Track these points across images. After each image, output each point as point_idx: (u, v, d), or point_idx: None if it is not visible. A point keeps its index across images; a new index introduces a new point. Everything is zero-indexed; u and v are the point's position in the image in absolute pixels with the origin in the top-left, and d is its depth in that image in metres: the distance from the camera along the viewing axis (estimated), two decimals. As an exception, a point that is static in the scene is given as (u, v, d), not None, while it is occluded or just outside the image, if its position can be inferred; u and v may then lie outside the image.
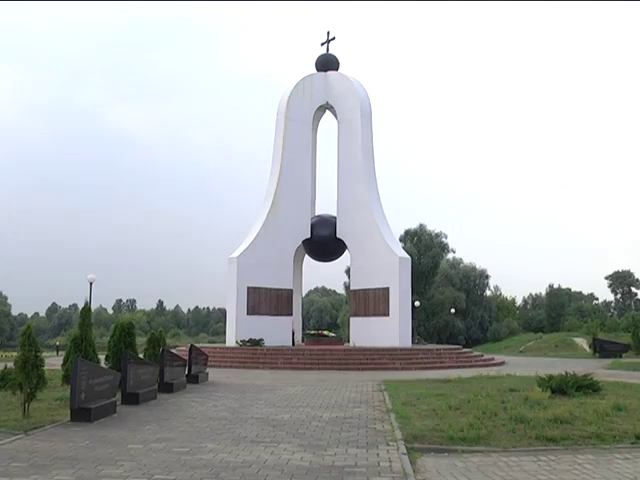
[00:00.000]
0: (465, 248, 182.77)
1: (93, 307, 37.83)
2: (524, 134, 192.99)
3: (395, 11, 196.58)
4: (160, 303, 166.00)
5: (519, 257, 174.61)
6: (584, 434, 10.33)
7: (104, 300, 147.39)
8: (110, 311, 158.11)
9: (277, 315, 38.08)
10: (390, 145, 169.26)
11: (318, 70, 43.20)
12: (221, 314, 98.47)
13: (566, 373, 16.49)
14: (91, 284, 35.54)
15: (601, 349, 45.54)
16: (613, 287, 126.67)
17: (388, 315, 37.08)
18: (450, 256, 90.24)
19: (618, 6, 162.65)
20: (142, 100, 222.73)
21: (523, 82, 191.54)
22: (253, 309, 37.23)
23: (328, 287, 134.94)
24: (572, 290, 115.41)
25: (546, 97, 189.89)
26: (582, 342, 63.34)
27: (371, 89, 57.48)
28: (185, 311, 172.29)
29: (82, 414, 11.59)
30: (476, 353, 40.83)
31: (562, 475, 7.83)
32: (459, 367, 31.15)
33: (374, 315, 37.76)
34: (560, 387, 15.60)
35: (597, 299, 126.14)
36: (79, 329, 17.07)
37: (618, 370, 29.08)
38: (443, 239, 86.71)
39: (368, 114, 41.39)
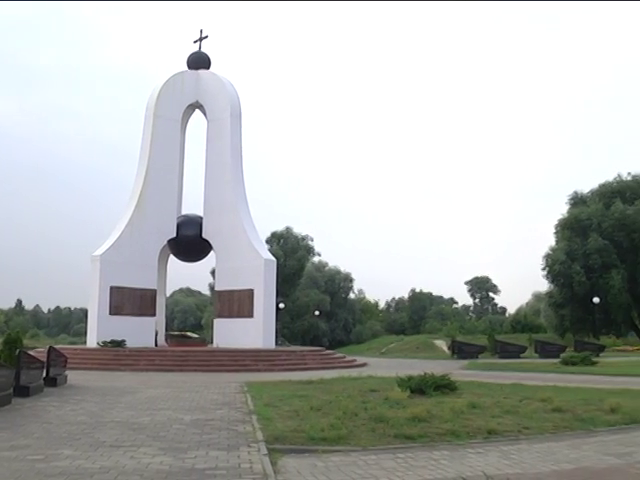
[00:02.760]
0: (331, 252, 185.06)
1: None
2: (389, 144, 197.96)
3: (268, 13, 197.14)
4: (19, 302, 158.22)
5: (383, 262, 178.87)
6: (440, 431, 10.71)
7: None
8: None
9: (140, 316, 37.25)
10: (259, 147, 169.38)
11: (189, 68, 42.65)
12: (83, 314, 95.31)
13: (425, 374, 17.00)
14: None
15: (459, 350, 47.37)
16: (472, 292, 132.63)
17: (252, 316, 37.13)
18: (316, 259, 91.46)
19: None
20: (3, 88, 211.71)
21: (390, 89, 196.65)
22: (116, 309, 36.28)
23: (193, 288, 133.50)
24: (433, 294, 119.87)
25: (409, 106, 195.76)
26: (442, 344, 65.77)
27: (242, 90, 57.27)
28: (45, 311, 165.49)
29: None
30: (339, 354, 41.55)
31: (418, 471, 8.08)
32: (322, 368, 31.43)
33: (238, 316, 37.67)
34: (419, 387, 16.07)
35: (457, 303, 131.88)
36: None
37: (474, 370, 30.34)
38: (309, 242, 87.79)
39: (238, 115, 41.30)
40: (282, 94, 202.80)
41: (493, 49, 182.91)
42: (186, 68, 42.76)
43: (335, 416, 11.96)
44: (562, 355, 37.54)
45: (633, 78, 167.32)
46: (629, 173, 66.66)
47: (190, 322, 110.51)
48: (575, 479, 7.67)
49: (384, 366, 33.90)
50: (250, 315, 37.24)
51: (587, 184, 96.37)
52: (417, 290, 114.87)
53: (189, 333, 47.78)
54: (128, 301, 36.87)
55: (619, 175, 66.88)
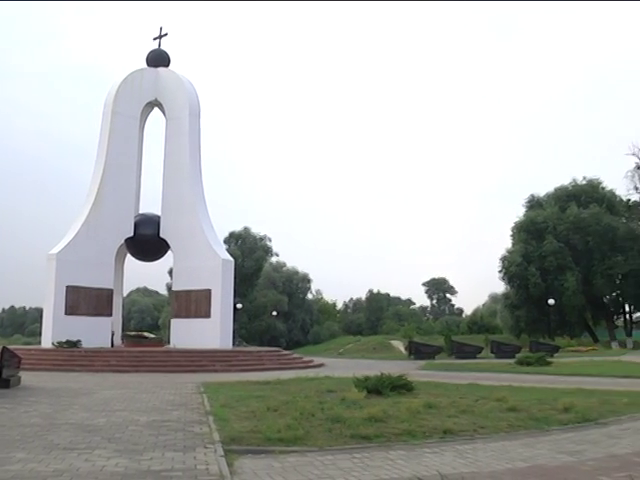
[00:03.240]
0: (289, 252, 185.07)
1: None
2: (349, 145, 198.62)
3: (227, 13, 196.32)
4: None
5: (341, 263, 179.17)
6: (397, 431, 10.73)
7: None
8: None
9: (96, 316, 36.81)
10: (218, 146, 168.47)
11: (149, 65, 42.28)
12: (38, 314, 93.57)
13: (382, 374, 17.01)
14: None
15: (416, 351, 47.65)
16: (429, 293, 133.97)
17: (210, 317, 37.02)
18: (274, 259, 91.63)
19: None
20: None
21: (348, 91, 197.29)
22: (72, 309, 35.82)
23: (150, 287, 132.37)
24: (391, 295, 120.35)
25: (368, 108, 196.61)
26: (399, 344, 66.24)
27: (201, 89, 57.16)
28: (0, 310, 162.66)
29: None
30: (296, 355, 41.53)
31: (375, 471, 8.09)
32: (279, 369, 31.37)
33: (196, 317, 37.50)
34: (376, 387, 16.09)
35: (414, 304, 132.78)
36: None
37: (431, 371, 30.50)
38: (267, 242, 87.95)
39: (197, 113, 41.09)
40: (243, 94, 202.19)
41: (451, 53, 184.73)
42: (145, 65, 42.38)
43: (292, 417, 11.93)
44: (517, 355, 38.03)
45: (588, 85, 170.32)
46: (584, 177, 68.21)
47: (147, 322, 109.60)
48: (529, 477, 7.77)
49: (341, 367, 33.97)
50: (207, 315, 37.10)
51: (543, 188, 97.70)
52: (375, 291, 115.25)
53: (146, 333, 47.24)
54: (84, 301, 36.42)
55: (574, 179, 68.37)
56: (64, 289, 35.70)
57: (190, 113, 40.35)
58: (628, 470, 7.92)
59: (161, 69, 42.02)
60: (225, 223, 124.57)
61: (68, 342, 33.61)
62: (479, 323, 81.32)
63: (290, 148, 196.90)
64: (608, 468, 8.22)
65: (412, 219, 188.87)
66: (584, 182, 67.61)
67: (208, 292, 37.26)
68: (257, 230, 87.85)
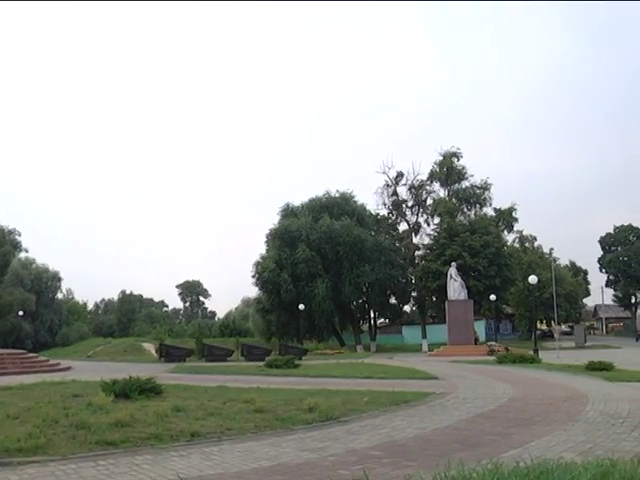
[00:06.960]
0: (39, 248, 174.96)
1: None
2: (108, 143, 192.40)
3: None
4: None
5: (94, 261, 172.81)
6: (144, 435, 10.64)
7: None
8: None
9: None
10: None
11: None
12: None
13: (130, 377, 16.74)
14: None
15: (167, 354, 47.16)
16: (183, 295, 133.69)
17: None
18: (22, 255, 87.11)
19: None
20: None
21: (103, 84, 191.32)
22: None
23: None
24: (144, 297, 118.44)
25: (126, 106, 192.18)
26: (150, 347, 65.28)
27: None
28: None
29: None
30: (42, 358, 39.73)
31: (119, 477, 7.99)
32: (23, 373, 29.72)
33: None
34: (124, 391, 15.79)
35: (167, 306, 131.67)
36: None
37: (180, 373, 30.37)
38: (16, 237, 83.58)
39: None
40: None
41: (224, 70, 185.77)
42: None
43: (34, 424, 11.38)
44: (267, 358, 38.92)
45: (346, 104, 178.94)
46: (337, 190, 71.60)
47: None
48: (273, 475, 8.09)
49: (90, 370, 32.95)
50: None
51: (299, 197, 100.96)
52: (127, 292, 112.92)
53: None
54: None
55: (327, 192, 71.46)
56: None
57: None
58: (364, 463, 8.51)
59: None
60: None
61: None
62: (231, 326, 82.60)
63: (45, 140, 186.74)
64: (347, 462, 8.79)
65: (169, 221, 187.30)
66: (337, 195, 70.91)
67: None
68: (6, 223, 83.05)
